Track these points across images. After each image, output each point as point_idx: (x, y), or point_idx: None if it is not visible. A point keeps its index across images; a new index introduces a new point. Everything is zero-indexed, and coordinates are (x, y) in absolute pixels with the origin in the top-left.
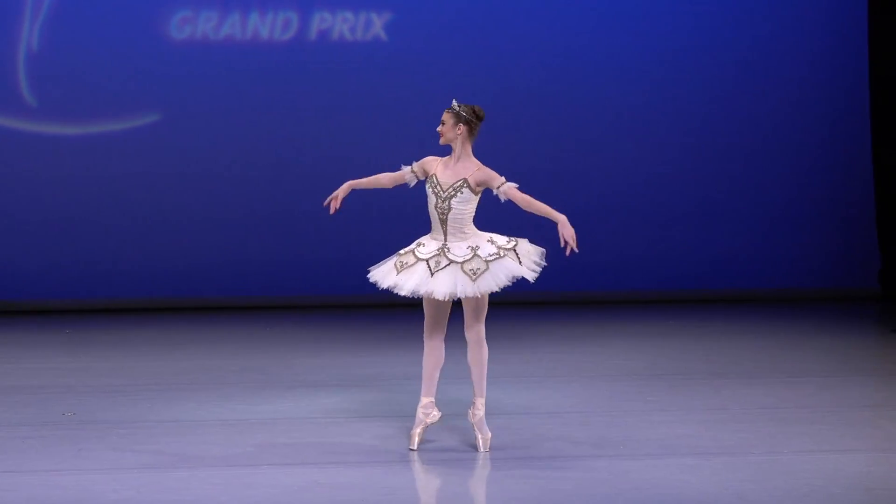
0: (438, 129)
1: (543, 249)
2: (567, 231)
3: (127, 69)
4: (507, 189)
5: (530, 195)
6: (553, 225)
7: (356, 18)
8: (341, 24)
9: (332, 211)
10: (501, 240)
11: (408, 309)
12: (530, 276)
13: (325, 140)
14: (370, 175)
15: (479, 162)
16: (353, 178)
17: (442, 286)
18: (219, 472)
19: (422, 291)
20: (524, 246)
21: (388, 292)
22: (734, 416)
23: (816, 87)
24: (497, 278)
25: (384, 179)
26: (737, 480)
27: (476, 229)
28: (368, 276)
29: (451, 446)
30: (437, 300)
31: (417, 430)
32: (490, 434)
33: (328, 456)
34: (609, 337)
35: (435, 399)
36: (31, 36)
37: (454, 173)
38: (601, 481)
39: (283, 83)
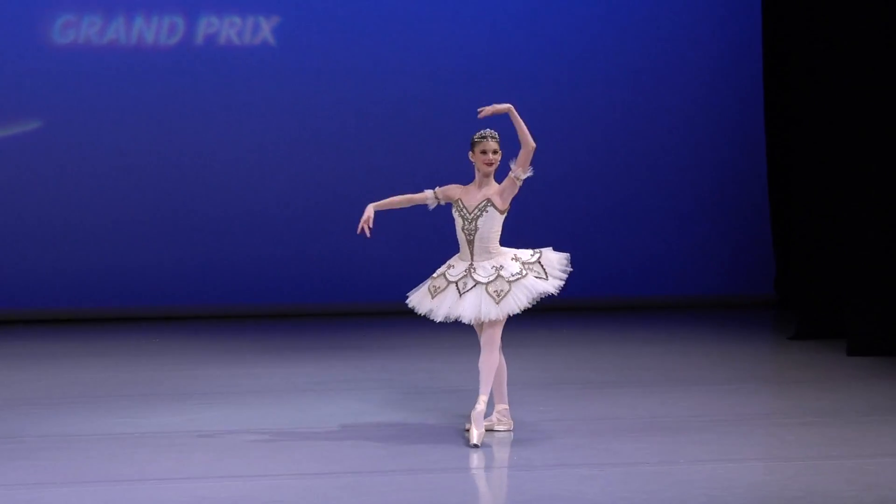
0: (492, 158)
1: (567, 254)
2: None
3: (7, 74)
4: (515, 170)
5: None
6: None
7: (244, 23)
8: (228, 29)
9: (368, 235)
10: (525, 254)
11: (300, 319)
12: (553, 290)
13: (212, 146)
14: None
15: (495, 182)
16: (239, 185)
17: (468, 310)
18: (103, 488)
19: (452, 316)
20: (548, 255)
21: (271, 300)
22: (627, 425)
23: (710, 90)
24: (518, 300)
25: (403, 200)
26: (631, 491)
27: (501, 247)
28: (407, 301)
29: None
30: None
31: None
32: (484, 430)
33: (217, 469)
34: (503, 346)
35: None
36: None
37: (481, 195)
38: (490, 493)
39: (169, 89)
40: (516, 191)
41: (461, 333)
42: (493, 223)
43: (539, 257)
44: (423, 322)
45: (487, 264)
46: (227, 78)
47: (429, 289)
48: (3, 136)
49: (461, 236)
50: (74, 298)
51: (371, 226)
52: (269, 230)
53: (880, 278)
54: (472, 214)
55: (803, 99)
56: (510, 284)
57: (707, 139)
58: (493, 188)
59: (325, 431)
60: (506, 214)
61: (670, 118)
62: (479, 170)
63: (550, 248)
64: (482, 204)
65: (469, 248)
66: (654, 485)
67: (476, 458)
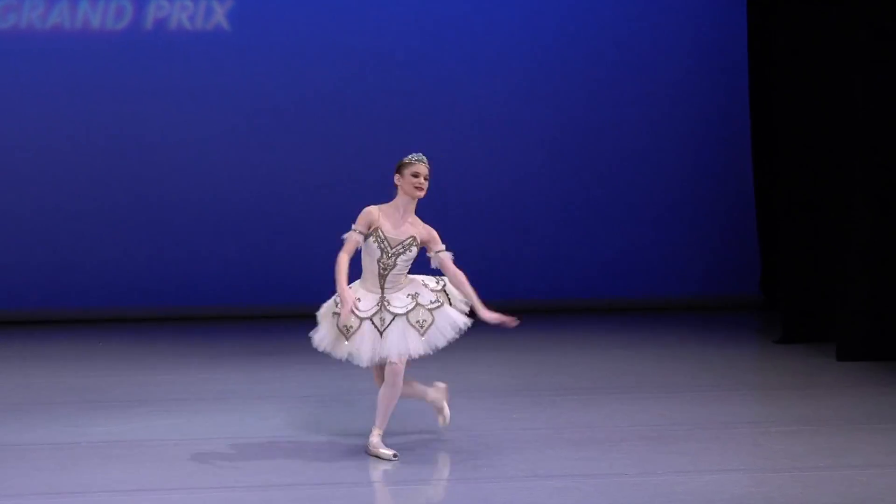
0: (424, 183)
1: (465, 312)
2: (491, 317)
3: None
4: (444, 258)
5: (463, 273)
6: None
7: (196, 6)
8: (180, 13)
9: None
10: (431, 281)
11: (261, 321)
12: (463, 322)
13: (160, 135)
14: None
15: (418, 218)
16: (192, 177)
17: (395, 347)
18: (46, 501)
19: (376, 359)
20: (450, 286)
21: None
22: (606, 434)
23: (695, 88)
24: (445, 332)
25: (346, 263)
26: (608, 503)
27: (409, 275)
28: (313, 343)
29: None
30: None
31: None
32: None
33: (171, 482)
34: (470, 350)
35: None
36: None
37: (404, 229)
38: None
39: (117, 76)
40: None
41: None
42: (409, 261)
43: (444, 286)
44: None
45: (401, 294)
46: (178, 64)
47: (340, 328)
48: None
49: (373, 267)
50: (16, 299)
51: (320, 348)
52: (221, 224)
53: (870, 279)
54: (395, 250)
55: (789, 97)
56: (431, 314)
57: (691, 136)
58: (418, 225)
59: (280, 441)
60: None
61: (653, 117)
62: (406, 194)
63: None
64: (407, 241)
65: (380, 281)
66: (633, 497)
67: (441, 469)
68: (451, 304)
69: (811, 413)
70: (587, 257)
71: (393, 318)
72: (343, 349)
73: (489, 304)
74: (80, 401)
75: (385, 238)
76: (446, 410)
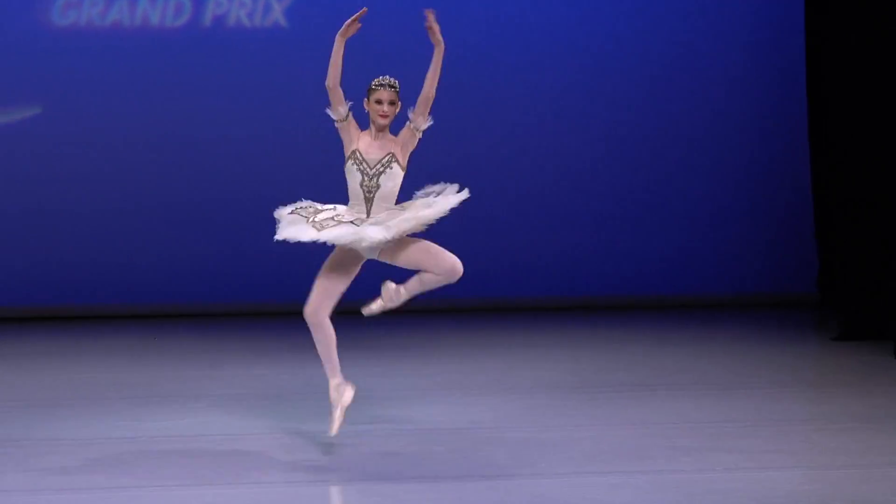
0: (386, 110)
1: (457, 185)
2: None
3: (5, 58)
4: (415, 117)
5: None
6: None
7: (254, 4)
8: (238, 10)
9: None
10: (421, 196)
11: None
12: (455, 201)
13: (219, 132)
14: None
15: (392, 135)
16: (252, 175)
17: (374, 232)
18: (108, 494)
19: (350, 238)
20: (447, 189)
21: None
22: (662, 430)
23: (752, 87)
24: (428, 204)
25: (339, 73)
26: (664, 500)
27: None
28: (276, 236)
29: (364, 465)
30: (346, 273)
31: (336, 414)
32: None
33: (226, 475)
34: (531, 346)
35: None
36: None
37: (381, 147)
38: (520, 501)
39: (175, 72)
40: (416, 144)
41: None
42: (396, 181)
43: (441, 191)
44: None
45: (383, 214)
46: (236, 61)
47: (310, 222)
48: (2, 122)
49: (358, 192)
50: (74, 294)
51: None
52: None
53: None
54: (374, 170)
55: (846, 94)
56: (404, 211)
57: (748, 134)
58: (392, 141)
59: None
60: (405, 171)
61: (710, 114)
62: (372, 121)
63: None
64: (385, 159)
65: (366, 204)
66: (689, 493)
67: (499, 466)
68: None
69: (867, 411)
70: (644, 254)
71: (374, 222)
72: (308, 233)
73: (552, 301)
74: (137, 396)
75: (363, 159)
76: (338, 420)
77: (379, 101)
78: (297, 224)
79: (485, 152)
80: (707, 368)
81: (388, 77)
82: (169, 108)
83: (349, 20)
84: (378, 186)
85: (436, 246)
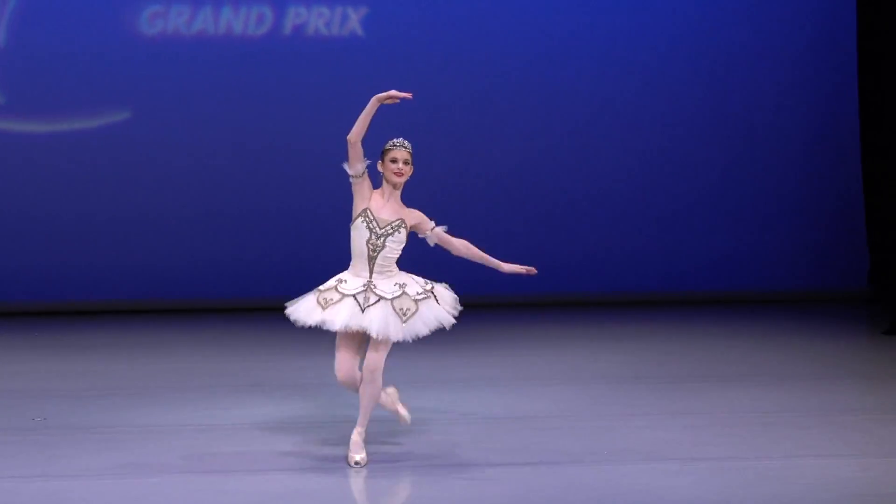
0: (401, 169)
1: (456, 297)
2: (512, 269)
3: (97, 65)
4: (439, 233)
5: (467, 239)
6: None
7: (332, 13)
8: (317, 20)
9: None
10: (420, 281)
11: None
12: (448, 324)
13: (299, 136)
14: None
15: (404, 205)
16: (329, 177)
17: (375, 322)
18: (190, 478)
19: (354, 326)
20: (440, 290)
21: None
22: (719, 420)
23: (805, 85)
24: (427, 321)
25: (364, 131)
26: (722, 486)
27: (398, 269)
28: (287, 312)
29: (434, 453)
30: (359, 337)
31: (398, 408)
32: (365, 454)
33: (304, 462)
34: (590, 339)
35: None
36: None
37: (392, 211)
38: (583, 488)
39: (257, 79)
40: (408, 233)
41: None
42: (399, 245)
43: (432, 288)
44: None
45: (389, 282)
46: (315, 69)
47: (318, 300)
48: (93, 126)
49: (363, 249)
50: (164, 290)
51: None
52: None
53: None
54: (383, 230)
55: None
56: (416, 304)
57: (801, 133)
58: (404, 210)
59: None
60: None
61: (760, 110)
62: (387, 180)
63: (444, 284)
64: (396, 223)
65: (369, 264)
66: (746, 480)
67: (562, 453)
68: (438, 304)
69: None
70: (701, 252)
71: (378, 300)
72: (315, 316)
73: (613, 296)
74: (214, 385)
75: (374, 218)
76: (402, 411)
77: (394, 160)
78: (306, 303)
79: (549, 153)
80: (762, 361)
81: (402, 139)
82: (250, 113)
83: (393, 92)
84: (383, 247)
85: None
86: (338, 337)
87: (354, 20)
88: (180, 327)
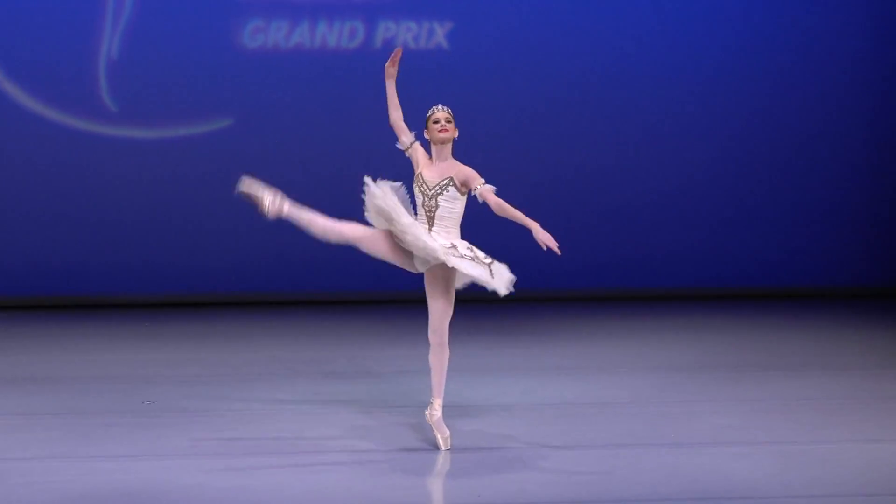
0: (444, 125)
1: (514, 278)
2: (541, 236)
3: (202, 76)
4: (484, 191)
5: (509, 202)
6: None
7: (419, 28)
8: (405, 33)
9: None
10: (480, 253)
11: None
12: (502, 290)
13: (391, 147)
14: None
15: (459, 162)
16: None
17: (431, 239)
18: (289, 458)
19: (416, 229)
20: (499, 266)
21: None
22: (779, 406)
23: (852, 85)
24: (465, 267)
25: (397, 110)
26: (781, 468)
27: (459, 233)
28: (367, 180)
29: (514, 435)
30: (415, 249)
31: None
32: (448, 432)
33: (396, 442)
34: (659, 331)
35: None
36: (112, 45)
37: (440, 172)
38: (654, 468)
39: (349, 89)
40: (465, 192)
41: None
42: (454, 202)
43: (491, 263)
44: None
45: (446, 237)
46: (403, 80)
47: (471, 260)
48: (199, 132)
49: (421, 212)
50: (264, 283)
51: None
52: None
53: None
54: (433, 191)
55: None
56: (462, 257)
57: (861, 134)
58: (455, 166)
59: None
60: (465, 198)
61: (812, 108)
62: (434, 142)
63: (505, 266)
64: (444, 182)
65: (429, 223)
66: (803, 462)
67: (633, 436)
68: (493, 277)
69: None
70: (760, 247)
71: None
72: (392, 202)
73: (677, 291)
74: (305, 371)
75: (424, 181)
76: (446, 438)
77: (436, 121)
78: (390, 197)
79: (620, 156)
80: (818, 352)
81: (440, 104)
82: (342, 121)
83: (388, 63)
84: (437, 206)
85: (450, 307)
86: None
87: (440, 34)
88: (274, 318)
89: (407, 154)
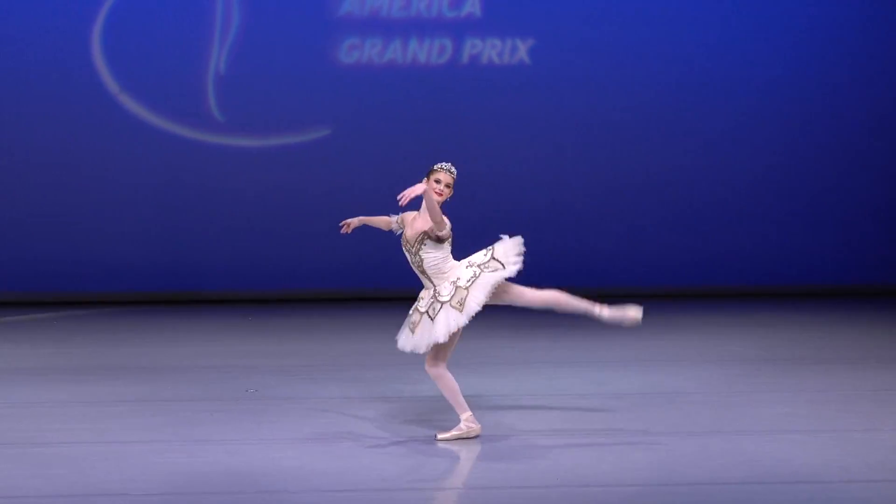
0: (442, 190)
1: (520, 237)
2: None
3: (302, 89)
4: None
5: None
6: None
7: (503, 44)
8: (490, 50)
9: (342, 232)
10: (478, 257)
11: None
12: (511, 273)
13: (475, 155)
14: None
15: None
16: (500, 189)
17: (439, 329)
18: (383, 445)
19: (431, 342)
20: (500, 248)
21: None
22: (838, 397)
23: (876, 84)
24: (476, 298)
25: (380, 222)
26: (839, 454)
27: (455, 262)
28: (398, 346)
29: (591, 421)
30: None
31: (456, 434)
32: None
33: (493, 429)
34: (723, 326)
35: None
36: (220, 60)
37: (418, 228)
38: (716, 454)
39: (438, 102)
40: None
41: None
42: (436, 251)
43: (492, 253)
44: None
45: (447, 283)
46: (488, 93)
47: (409, 328)
48: (299, 141)
49: (415, 270)
50: (357, 280)
51: (350, 231)
52: (542, 228)
53: None
54: (414, 248)
55: None
56: (467, 290)
57: (883, 140)
58: (425, 219)
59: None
60: (445, 236)
61: (856, 115)
62: (426, 196)
63: (503, 237)
64: (419, 237)
65: (424, 277)
66: (860, 449)
67: (697, 423)
68: (503, 267)
69: None
70: (819, 248)
71: (441, 307)
72: (410, 343)
73: (733, 288)
74: (405, 363)
75: (406, 241)
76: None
77: (437, 182)
78: (404, 332)
79: (688, 164)
80: (873, 346)
81: (450, 164)
82: (432, 132)
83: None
84: (422, 260)
85: (519, 287)
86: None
87: (522, 50)
88: (373, 313)
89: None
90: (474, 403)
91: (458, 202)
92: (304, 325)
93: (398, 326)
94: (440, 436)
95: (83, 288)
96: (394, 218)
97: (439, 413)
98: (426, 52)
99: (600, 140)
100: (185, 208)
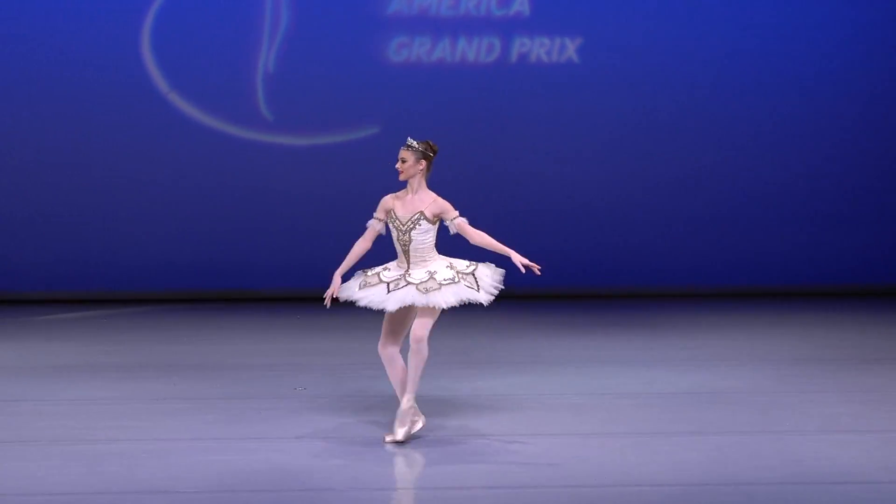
0: (398, 166)
1: (503, 271)
2: (519, 260)
3: (351, 88)
4: (459, 223)
5: (485, 231)
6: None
7: (552, 43)
8: (538, 49)
9: (327, 306)
10: (461, 265)
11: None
12: (485, 301)
13: (524, 153)
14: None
15: (433, 194)
16: (547, 184)
17: (394, 300)
18: (433, 445)
19: (375, 305)
20: (482, 270)
21: None
22: (885, 397)
23: (882, 84)
24: (445, 298)
25: (360, 251)
26: (886, 454)
27: (438, 255)
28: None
29: (636, 418)
30: (398, 321)
31: (404, 429)
32: (407, 427)
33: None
34: (767, 326)
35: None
36: (268, 59)
37: (412, 207)
38: (764, 453)
39: (487, 100)
40: (439, 220)
41: None
42: (426, 234)
43: (474, 269)
44: None
45: (422, 270)
46: (537, 92)
47: (359, 283)
48: (349, 139)
49: (397, 246)
50: None
51: (336, 296)
52: (567, 222)
53: None
54: (406, 226)
55: None
56: (440, 287)
57: None
58: (427, 199)
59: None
60: (438, 224)
61: (872, 113)
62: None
63: (488, 262)
64: (415, 217)
65: (406, 256)
66: None
67: (751, 422)
68: (476, 288)
69: None
70: (859, 249)
71: (406, 285)
72: (349, 292)
73: (779, 288)
74: (450, 361)
75: (397, 218)
76: (405, 431)
77: (402, 160)
78: (351, 282)
79: (718, 164)
80: None
81: (409, 139)
82: (480, 131)
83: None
84: (411, 240)
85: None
86: (384, 318)
87: (571, 49)
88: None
89: (386, 220)
90: (526, 401)
91: (505, 199)
92: (353, 324)
93: (450, 324)
94: (389, 438)
95: (134, 287)
96: (373, 223)
97: (494, 412)
98: (475, 50)
99: (650, 139)
100: (234, 207)
